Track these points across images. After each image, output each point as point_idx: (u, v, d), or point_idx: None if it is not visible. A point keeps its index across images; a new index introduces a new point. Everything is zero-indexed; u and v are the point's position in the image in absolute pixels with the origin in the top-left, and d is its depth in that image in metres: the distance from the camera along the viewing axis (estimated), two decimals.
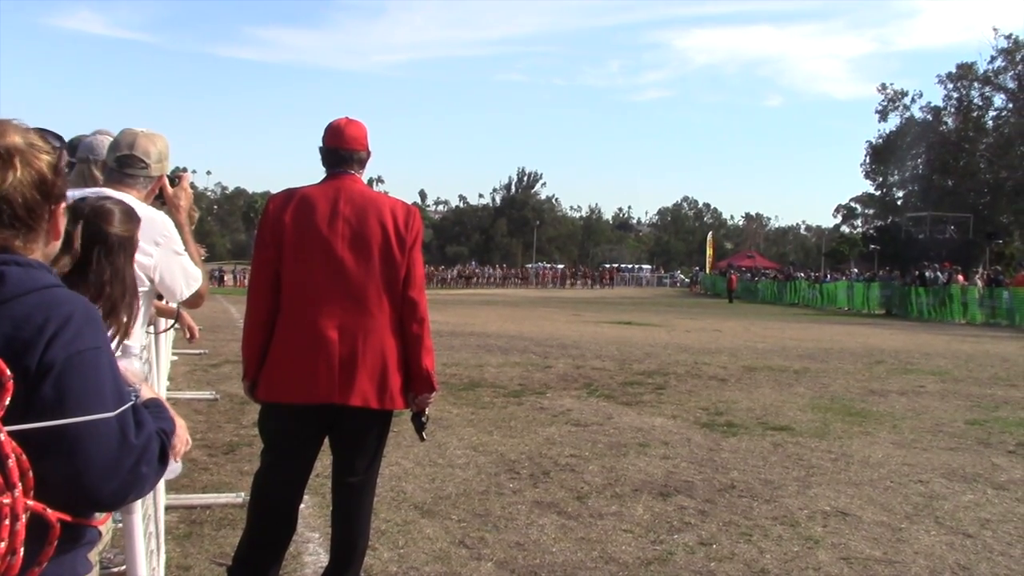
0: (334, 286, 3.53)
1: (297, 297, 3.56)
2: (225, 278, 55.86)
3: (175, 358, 8.27)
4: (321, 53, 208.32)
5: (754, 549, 4.78)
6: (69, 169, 1.65)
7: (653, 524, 5.17)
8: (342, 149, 3.67)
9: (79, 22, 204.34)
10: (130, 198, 3.24)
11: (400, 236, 3.59)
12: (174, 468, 2.34)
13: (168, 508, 4.73)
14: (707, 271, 70.05)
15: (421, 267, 3.71)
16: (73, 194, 3.34)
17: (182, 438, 2.25)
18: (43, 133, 1.66)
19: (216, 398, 9.07)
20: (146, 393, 1.90)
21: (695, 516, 5.35)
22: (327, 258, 3.53)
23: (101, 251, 2.16)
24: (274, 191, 4.09)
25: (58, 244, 1.69)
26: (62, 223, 1.68)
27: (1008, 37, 61.70)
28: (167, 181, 3.48)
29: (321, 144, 3.72)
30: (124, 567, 3.95)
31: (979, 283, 31.92)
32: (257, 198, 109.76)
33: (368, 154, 3.74)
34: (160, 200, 3.48)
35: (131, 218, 2.30)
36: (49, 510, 1.41)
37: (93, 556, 1.75)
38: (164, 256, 3.15)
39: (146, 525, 2.72)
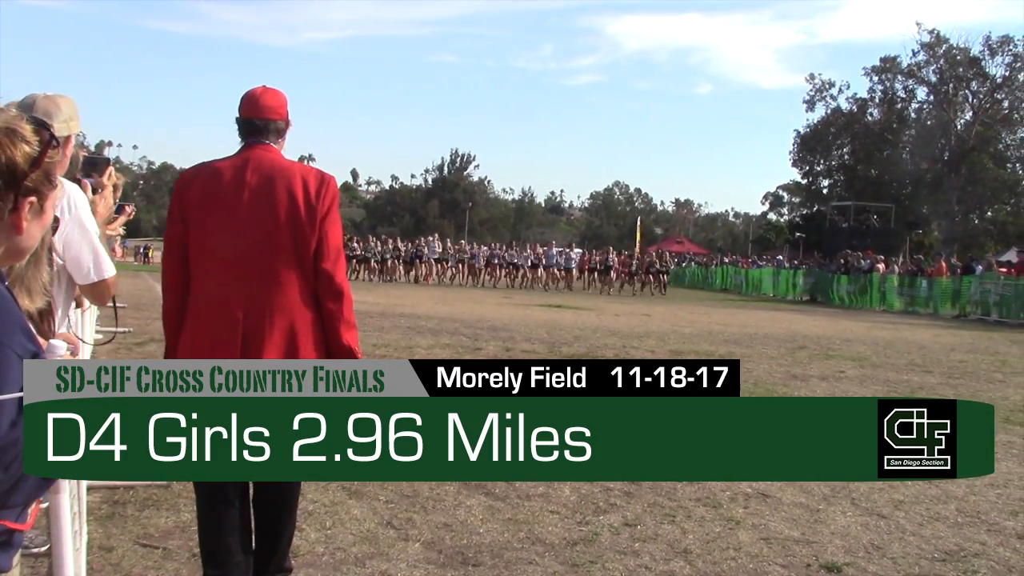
0: (239, 260, 3.40)
1: (202, 273, 3.44)
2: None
3: (99, 336, 8.09)
4: (253, 28, 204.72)
5: (677, 530, 4.88)
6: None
7: (579, 505, 5.24)
8: (257, 119, 3.52)
9: None
10: None
11: (310, 205, 3.42)
12: None
13: (90, 488, 4.64)
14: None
15: (336, 238, 3.53)
16: None
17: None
18: (39, 126, 1.58)
19: None
20: None
21: (621, 498, 5.43)
22: (231, 231, 3.39)
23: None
24: None
25: (23, 241, 1.60)
26: (29, 221, 1.58)
27: (931, 32, 63.30)
28: (88, 186, 3.37)
29: (237, 115, 3.57)
30: (46, 547, 3.89)
31: (898, 271, 32.78)
32: None
33: (287, 124, 3.59)
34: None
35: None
36: None
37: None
38: (71, 225, 3.03)
39: (69, 505, 2.68)
